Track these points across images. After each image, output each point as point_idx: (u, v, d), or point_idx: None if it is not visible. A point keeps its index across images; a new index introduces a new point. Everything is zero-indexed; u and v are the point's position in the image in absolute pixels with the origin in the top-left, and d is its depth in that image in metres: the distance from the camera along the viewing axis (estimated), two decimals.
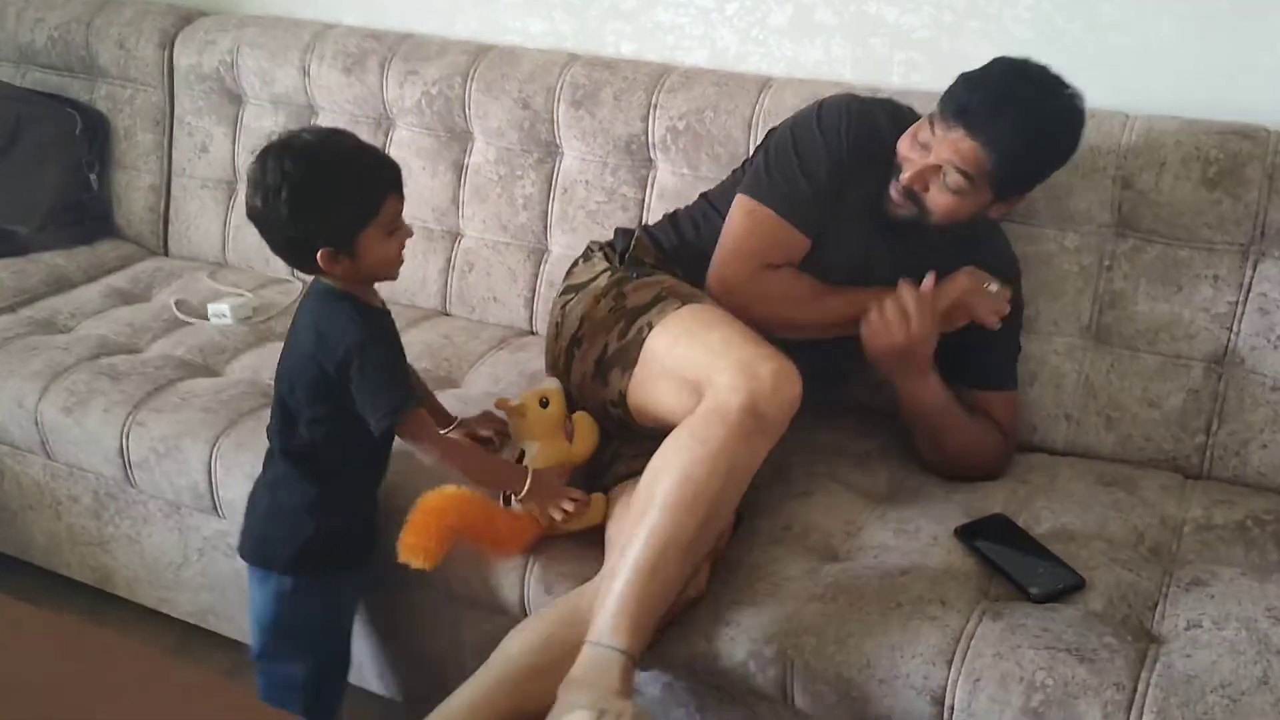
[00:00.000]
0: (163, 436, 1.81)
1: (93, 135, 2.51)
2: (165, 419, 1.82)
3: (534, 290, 2.14)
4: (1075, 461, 1.74)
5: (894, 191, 1.58)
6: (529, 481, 1.50)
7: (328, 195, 1.37)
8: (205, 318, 2.16)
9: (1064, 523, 1.56)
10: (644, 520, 1.39)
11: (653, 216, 1.99)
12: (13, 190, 2.47)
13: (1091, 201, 1.72)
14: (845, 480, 1.68)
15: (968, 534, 1.52)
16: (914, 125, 1.58)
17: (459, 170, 2.18)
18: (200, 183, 2.45)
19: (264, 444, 1.66)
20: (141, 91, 2.49)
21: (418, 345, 2.06)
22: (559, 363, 1.67)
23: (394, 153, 2.22)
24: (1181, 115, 1.71)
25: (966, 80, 1.51)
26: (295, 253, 1.43)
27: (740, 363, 1.41)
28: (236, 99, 2.41)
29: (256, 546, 1.56)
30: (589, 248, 1.79)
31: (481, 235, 2.18)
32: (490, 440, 1.70)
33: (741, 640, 1.41)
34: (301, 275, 2.15)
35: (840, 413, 1.84)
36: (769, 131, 1.74)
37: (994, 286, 1.61)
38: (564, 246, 2.10)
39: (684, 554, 1.39)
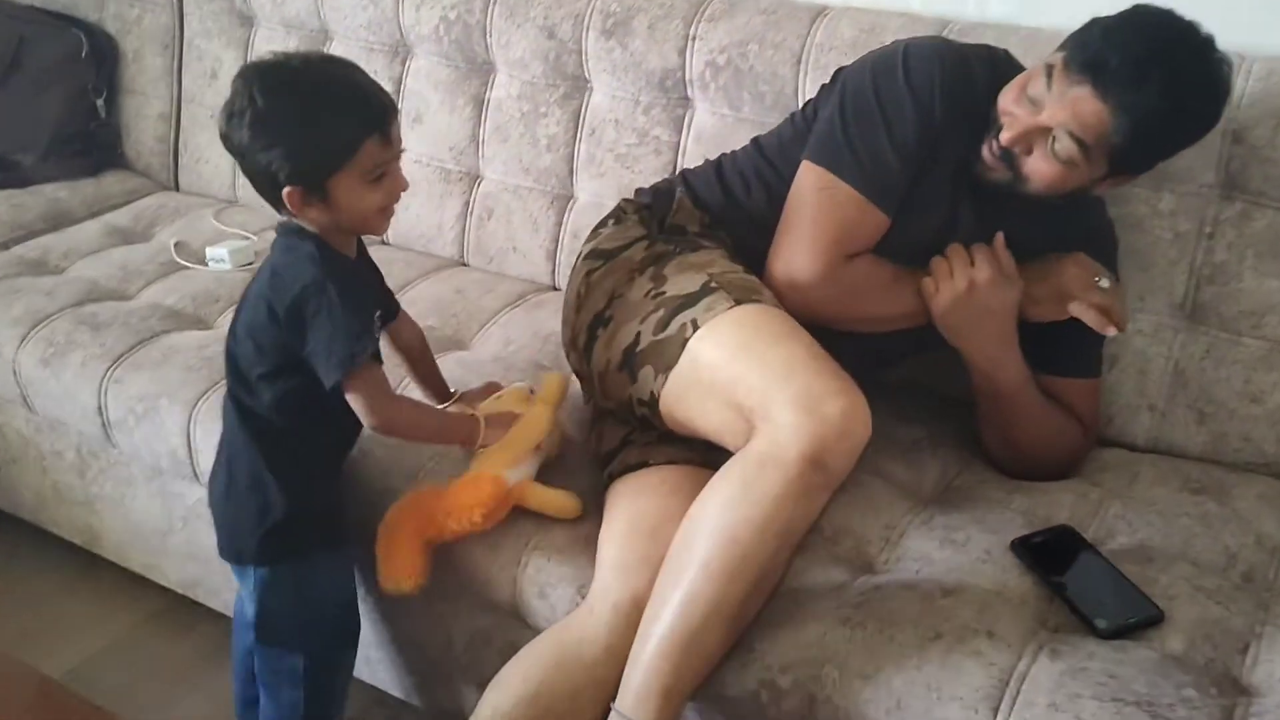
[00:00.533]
0: (141, 395, 1.66)
1: (100, 58, 2.35)
2: (144, 376, 1.67)
3: (557, 241, 1.94)
4: (1158, 460, 1.51)
5: (987, 151, 1.33)
6: (482, 428, 1.38)
7: (292, 128, 1.21)
8: (204, 263, 2.00)
9: (1141, 538, 1.34)
10: (681, 582, 1.19)
11: (689, 162, 1.77)
12: (15, 117, 2.33)
13: (1193, 157, 1.45)
14: (887, 474, 1.47)
15: (1025, 548, 1.31)
16: (1022, 75, 1.32)
17: (480, 105, 1.98)
18: (210, 111, 2.28)
19: None
20: (150, 11, 2.32)
21: (426, 300, 1.88)
22: (578, 340, 1.45)
23: (410, 85, 2.04)
24: None
25: (1105, 31, 1.25)
26: (264, 189, 1.26)
27: (804, 397, 1.19)
28: (248, 21, 2.22)
29: (226, 540, 1.41)
30: (621, 207, 1.54)
31: (502, 178, 1.98)
32: None
33: (754, 667, 1.22)
34: None
35: (884, 390, 1.61)
36: (837, 71, 1.47)
37: (1105, 282, 1.38)
38: (591, 194, 1.89)
39: (728, 623, 1.20)
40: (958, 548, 1.33)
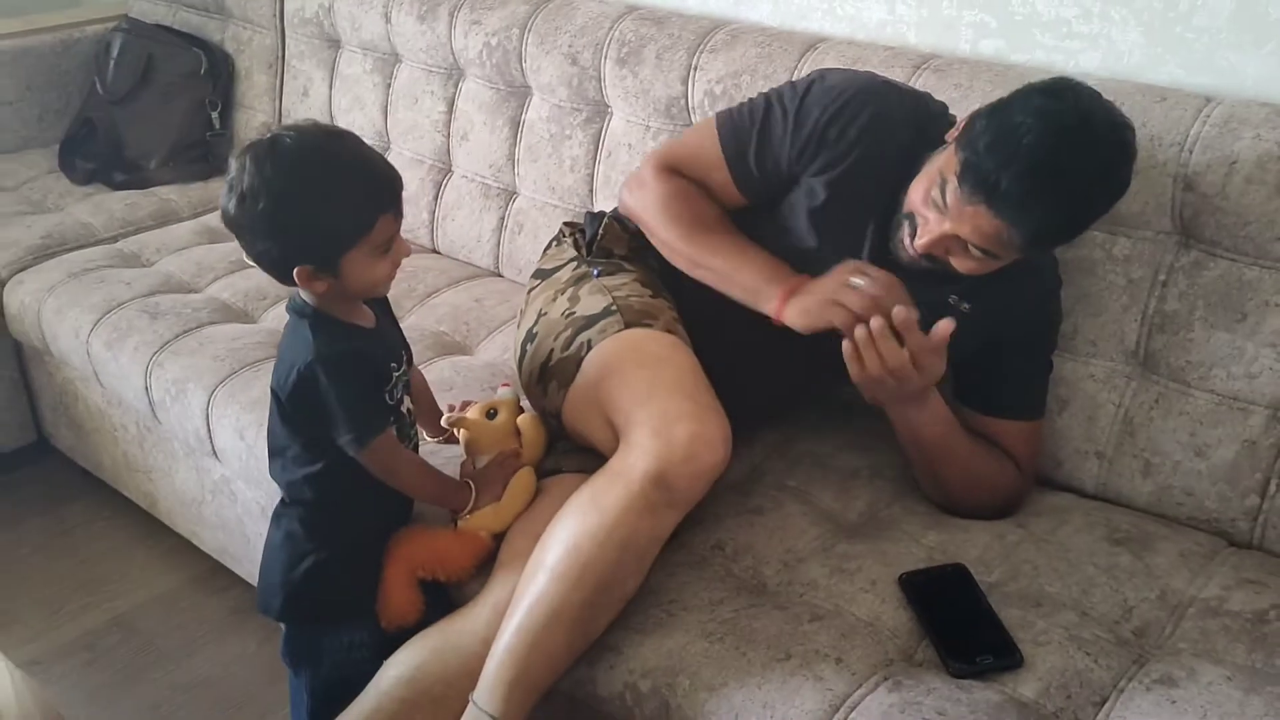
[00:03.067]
0: (175, 379, 1.86)
1: (216, 75, 2.62)
2: (180, 362, 1.88)
3: None
4: (1096, 508, 1.48)
5: (906, 244, 1.33)
6: (473, 494, 1.40)
7: (310, 210, 1.20)
8: None
9: (1041, 584, 1.33)
10: (530, 585, 1.27)
11: None
12: (143, 126, 2.62)
13: (1148, 203, 1.43)
14: (814, 501, 1.51)
15: (912, 583, 1.32)
16: (929, 170, 1.30)
17: (516, 126, 2.11)
18: None
19: (254, 397, 1.69)
20: (259, 33, 2.57)
21: (445, 306, 2.03)
22: (515, 353, 1.57)
23: (460, 106, 2.18)
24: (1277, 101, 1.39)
25: (990, 144, 1.20)
26: (273, 268, 1.25)
27: (656, 419, 1.26)
28: (335, 43, 2.43)
29: (259, 590, 1.43)
30: (562, 229, 1.66)
31: (533, 195, 2.10)
32: None
33: (620, 670, 1.29)
34: None
35: (840, 412, 1.65)
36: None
37: (858, 280, 1.30)
38: None
39: (570, 627, 1.25)
40: (846, 576, 1.35)
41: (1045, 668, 1.20)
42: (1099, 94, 1.25)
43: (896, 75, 1.60)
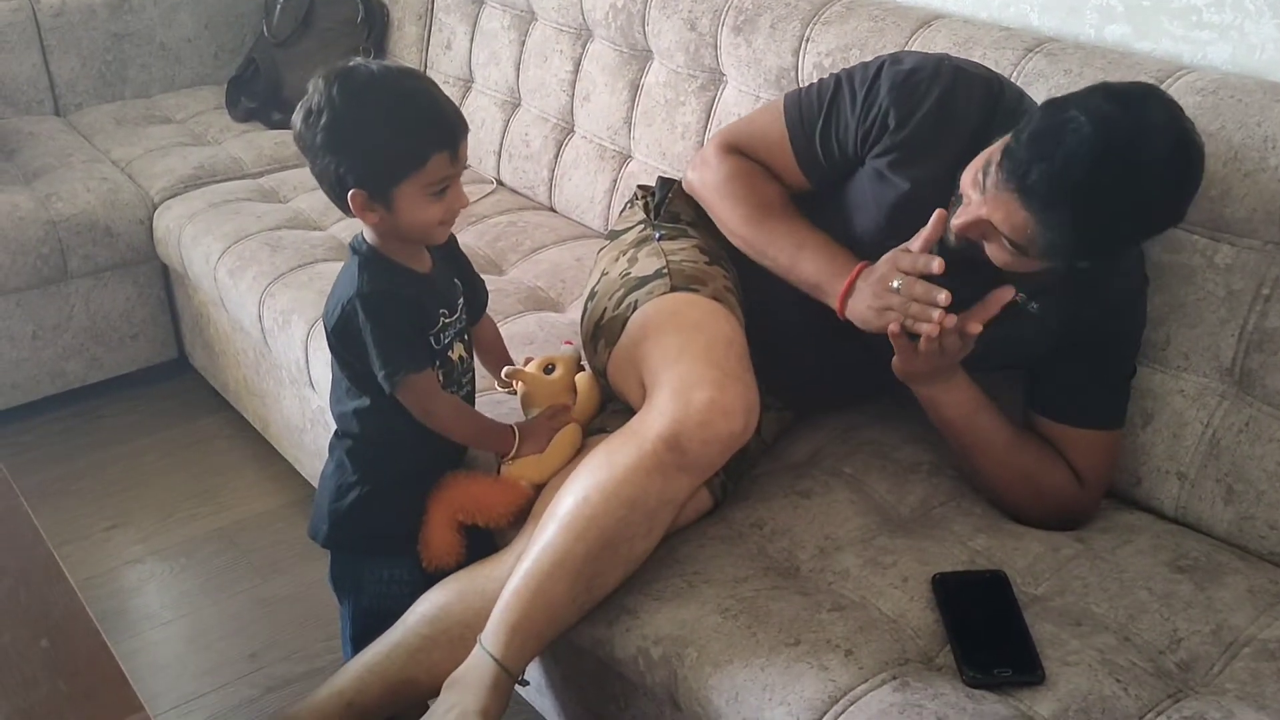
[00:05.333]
0: (282, 310, 1.96)
1: (371, 23, 2.71)
2: (289, 294, 1.97)
3: None
4: (1168, 532, 1.39)
5: (951, 227, 1.27)
6: (516, 439, 1.42)
7: (366, 133, 1.24)
8: None
9: (1088, 602, 1.26)
10: (541, 533, 1.29)
11: None
12: (301, 68, 2.73)
13: (1255, 209, 1.32)
14: (867, 490, 1.46)
15: (945, 585, 1.27)
16: (984, 153, 1.23)
17: (634, 90, 2.11)
18: (443, 78, 2.56)
19: None
20: None
21: (546, 263, 2.05)
22: (582, 317, 1.58)
23: (585, 67, 2.20)
24: None
25: (1032, 133, 1.14)
26: (331, 189, 1.30)
27: (678, 382, 1.26)
28: None
29: (311, 519, 1.49)
30: (636, 192, 1.66)
31: (645, 160, 2.10)
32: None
33: (635, 634, 1.29)
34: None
35: (912, 403, 1.58)
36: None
37: (896, 282, 1.26)
38: None
39: (572, 578, 1.26)
40: (879, 569, 1.31)
41: (1068, 689, 1.14)
42: (1178, 113, 1.15)
43: (1007, 57, 1.53)
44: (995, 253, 1.23)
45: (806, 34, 1.78)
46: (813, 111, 1.41)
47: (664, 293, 1.38)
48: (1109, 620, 1.24)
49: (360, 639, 1.46)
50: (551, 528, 1.27)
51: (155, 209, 2.39)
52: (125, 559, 2.06)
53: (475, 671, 1.27)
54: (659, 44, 2.03)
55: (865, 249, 1.36)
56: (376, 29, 2.72)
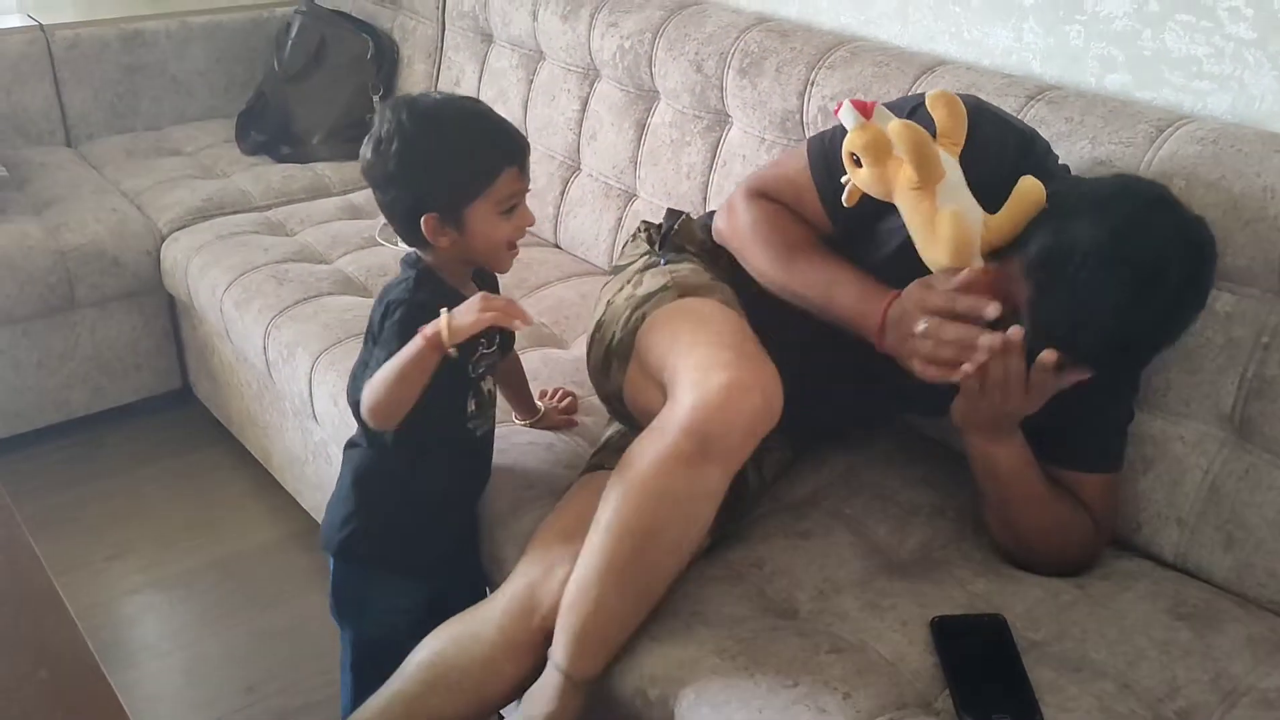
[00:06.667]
0: (287, 342, 1.97)
1: (381, 60, 2.75)
2: (295, 327, 1.98)
3: None
4: (1168, 579, 1.38)
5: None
6: (444, 321, 1.25)
7: (439, 154, 1.28)
8: (395, 242, 2.30)
9: (1086, 649, 1.26)
10: (587, 542, 1.30)
11: None
12: (311, 103, 2.77)
13: (1254, 257, 1.33)
14: (867, 533, 1.47)
15: (943, 628, 1.27)
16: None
17: (640, 129, 2.13)
18: None
19: (351, 367, 1.78)
20: (422, 24, 2.68)
21: (551, 299, 2.07)
22: (588, 352, 1.58)
23: (592, 106, 2.22)
24: None
25: (1056, 232, 1.18)
26: (403, 216, 1.32)
27: (695, 371, 1.26)
28: (487, 37, 2.51)
29: (324, 528, 1.49)
30: (639, 227, 1.67)
31: (650, 199, 2.12)
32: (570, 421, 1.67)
33: (634, 673, 1.29)
34: None
35: (917, 445, 1.60)
36: None
37: (921, 324, 1.24)
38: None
39: (620, 579, 1.27)
40: (878, 612, 1.31)
41: None
42: (1169, 203, 1.20)
43: (1009, 104, 1.55)
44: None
45: (811, 77, 1.80)
46: (836, 156, 1.40)
47: (673, 300, 1.40)
48: (1108, 667, 1.23)
49: (360, 667, 1.46)
50: (593, 535, 1.28)
51: (163, 240, 2.41)
52: (124, 589, 2.06)
53: (544, 682, 1.29)
54: (665, 85, 2.06)
55: (896, 283, 1.36)
56: (386, 65, 2.75)
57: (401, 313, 1.31)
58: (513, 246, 1.36)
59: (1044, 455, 1.39)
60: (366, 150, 1.31)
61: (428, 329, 1.26)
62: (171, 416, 2.56)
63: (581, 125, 2.25)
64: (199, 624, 1.98)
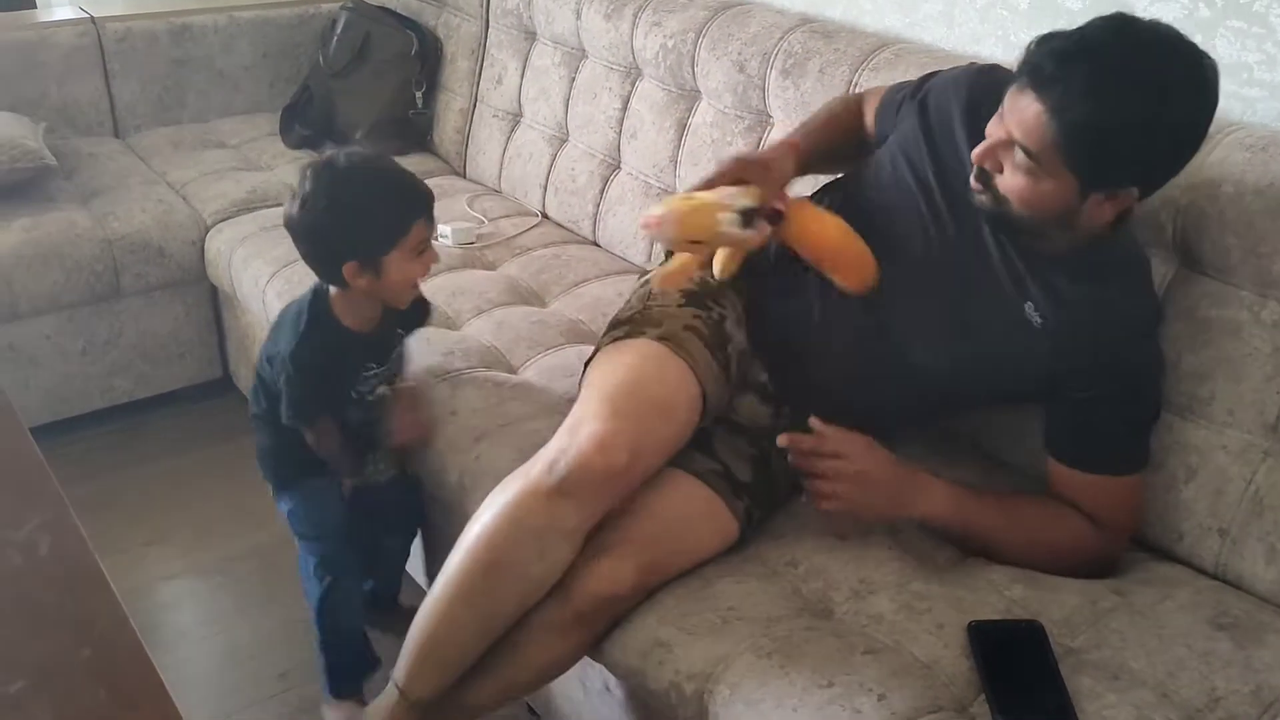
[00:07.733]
0: None
1: (425, 57, 2.76)
2: None
3: None
4: (1210, 589, 1.37)
5: (972, 176, 1.30)
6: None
7: (362, 212, 1.47)
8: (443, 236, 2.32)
9: (1125, 657, 1.25)
10: (448, 558, 1.38)
11: None
12: (355, 98, 2.79)
13: None
14: (903, 539, 1.46)
15: (980, 633, 1.27)
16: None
17: (681, 129, 2.13)
18: (493, 111, 2.61)
19: None
20: (466, 21, 2.69)
21: (588, 297, 2.07)
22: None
23: (633, 105, 2.23)
24: None
25: (1041, 37, 1.22)
26: (325, 263, 1.53)
27: (573, 418, 1.38)
28: (530, 35, 2.52)
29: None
30: None
31: None
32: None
33: (668, 667, 1.29)
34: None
35: (951, 448, 1.59)
36: None
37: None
38: None
39: (466, 600, 1.35)
40: (914, 615, 1.31)
41: None
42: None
43: None
44: (1009, 179, 1.25)
45: (855, 79, 1.80)
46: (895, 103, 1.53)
47: (611, 341, 1.49)
48: (1147, 676, 1.22)
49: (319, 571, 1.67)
50: (451, 556, 1.36)
51: (208, 231, 2.44)
52: (162, 574, 2.08)
53: (384, 697, 1.39)
54: (707, 84, 2.06)
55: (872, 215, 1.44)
56: (430, 62, 2.77)
57: (291, 368, 1.53)
58: (415, 285, 1.56)
59: (1054, 452, 1.41)
60: (293, 208, 1.49)
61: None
62: (212, 405, 2.58)
63: (622, 124, 2.26)
64: (235, 610, 2.00)
